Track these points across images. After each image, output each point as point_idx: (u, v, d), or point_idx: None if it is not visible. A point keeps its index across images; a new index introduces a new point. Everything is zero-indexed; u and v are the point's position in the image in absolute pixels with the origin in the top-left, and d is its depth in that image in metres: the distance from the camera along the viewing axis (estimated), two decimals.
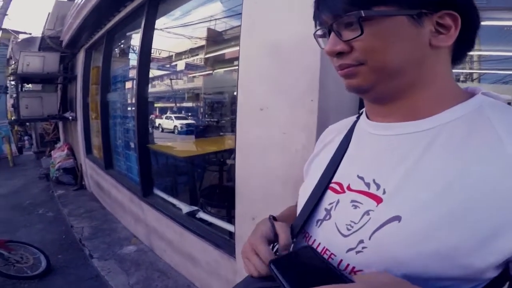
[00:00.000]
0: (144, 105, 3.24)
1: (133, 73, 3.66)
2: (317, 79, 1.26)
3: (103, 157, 4.47)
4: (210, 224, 2.48)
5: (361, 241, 0.47)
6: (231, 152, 2.58)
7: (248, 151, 1.66)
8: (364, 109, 0.61)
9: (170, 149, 4.21)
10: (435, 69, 0.48)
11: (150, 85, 3.48)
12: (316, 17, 0.52)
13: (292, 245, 0.60)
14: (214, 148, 4.06)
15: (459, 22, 0.45)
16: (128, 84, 4.02)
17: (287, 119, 1.41)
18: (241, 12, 1.62)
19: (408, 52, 0.46)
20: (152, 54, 3.35)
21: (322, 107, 1.28)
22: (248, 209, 1.71)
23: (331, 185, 0.57)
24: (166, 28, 4.02)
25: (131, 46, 4.19)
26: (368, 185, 0.50)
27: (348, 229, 0.49)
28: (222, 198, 2.88)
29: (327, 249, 0.52)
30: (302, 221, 0.58)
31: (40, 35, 6.06)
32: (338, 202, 0.53)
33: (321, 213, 0.56)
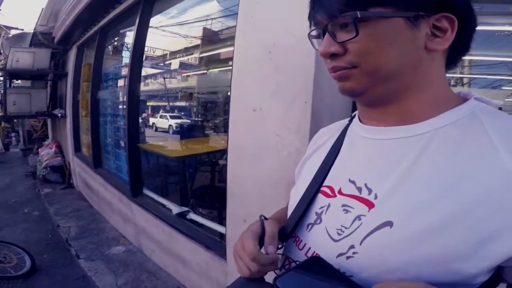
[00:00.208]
0: (135, 104, 3.21)
1: (125, 71, 3.63)
2: (311, 80, 1.25)
3: (92, 156, 4.41)
4: (201, 225, 2.46)
5: (352, 246, 0.46)
6: (224, 152, 2.57)
7: (241, 152, 1.65)
8: (356, 112, 0.60)
9: (161, 149, 4.17)
10: (429, 73, 0.47)
11: (143, 84, 3.45)
12: (311, 17, 0.52)
13: (283, 248, 0.59)
14: (206, 148, 4.04)
15: (455, 25, 0.45)
16: (120, 82, 3.98)
17: (280, 121, 1.41)
18: (237, 12, 1.61)
19: (403, 55, 0.45)
20: (146, 52, 3.32)
21: (316, 109, 1.28)
22: (240, 210, 1.70)
23: (322, 188, 0.56)
24: (161, 26, 3.99)
25: (125, 44, 4.15)
26: (359, 189, 0.49)
27: (339, 234, 0.48)
28: (214, 199, 2.87)
29: (317, 254, 0.51)
30: (293, 225, 0.57)
31: (31, 31, 5.97)
32: (329, 206, 0.53)
33: (311, 217, 0.55)
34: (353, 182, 0.51)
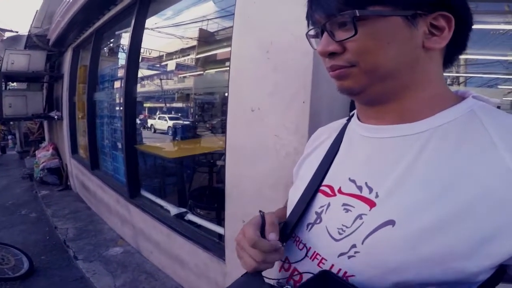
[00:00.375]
0: (132, 105, 3.20)
1: (121, 73, 3.61)
2: (309, 80, 1.25)
3: (89, 157, 4.39)
4: (199, 226, 2.46)
5: (354, 246, 0.46)
6: (222, 153, 2.56)
7: (239, 152, 1.65)
8: (354, 111, 0.60)
9: (159, 150, 4.15)
10: (427, 72, 0.47)
11: (139, 85, 3.44)
12: (308, 16, 0.51)
13: (282, 248, 0.59)
14: (204, 149, 4.03)
15: (452, 24, 0.45)
16: (116, 84, 3.96)
17: (278, 121, 1.40)
18: (233, 12, 1.61)
19: (401, 54, 0.45)
20: (142, 54, 3.31)
21: (314, 109, 1.28)
22: (238, 211, 1.70)
23: (322, 188, 0.56)
24: (157, 27, 3.97)
25: (120, 45, 4.12)
26: (360, 188, 0.49)
27: (340, 233, 0.48)
28: (212, 200, 2.86)
29: (317, 254, 0.51)
30: (292, 224, 0.57)
31: (26, 34, 5.94)
32: (329, 205, 0.53)
33: (311, 217, 0.55)
34: (353, 181, 0.51)
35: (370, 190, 0.48)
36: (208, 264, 2.09)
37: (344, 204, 0.50)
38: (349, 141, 0.58)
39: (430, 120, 0.47)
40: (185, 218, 2.57)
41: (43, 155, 6.01)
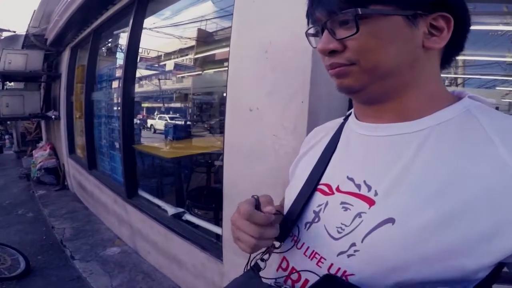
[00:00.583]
0: (130, 105, 3.19)
1: (119, 72, 3.60)
2: (308, 80, 1.25)
3: (87, 157, 4.37)
4: (196, 226, 2.45)
5: (353, 244, 0.46)
6: (220, 153, 2.55)
7: (237, 152, 1.65)
8: (352, 110, 0.60)
9: (157, 150, 4.15)
10: (425, 71, 0.48)
11: (137, 85, 3.43)
12: (309, 14, 0.51)
13: (280, 247, 0.59)
14: (202, 149, 4.02)
15: (451, 25, 0.45)
16: (114, 84, 3.95)
17: (277, 121, 1.40)
18: (231, 12, 1.60)
19: (401, 53, 0.45)
20: (140, 54, 3.30)
21: (313, 108, 1.27)
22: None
23: (319, 186, 0.56)
24: (155, 27, 3.96)
25: (118, 45, 4.11)
26: (358, 186, 0.49)
27: (339, 232, 0.48)
28: (210, 200, 2.85)
29: (316, 253, 0.51)
30: (290, 223, 0.57)
31: (24, 33, 5.92)
32: (327, 204, 0.52)
33: (309, 216, 0.55)
34: (351, 179, 0.51)
35: (369, 188, 0.48)
36: (205, 264, 2.09)
37: (342, 203, 0.50)
38: (346, 140, 0.58)
39: (428, 119, 0.47)
40: (183, 218, 2.56)
41: (40, 154, 5.99)
